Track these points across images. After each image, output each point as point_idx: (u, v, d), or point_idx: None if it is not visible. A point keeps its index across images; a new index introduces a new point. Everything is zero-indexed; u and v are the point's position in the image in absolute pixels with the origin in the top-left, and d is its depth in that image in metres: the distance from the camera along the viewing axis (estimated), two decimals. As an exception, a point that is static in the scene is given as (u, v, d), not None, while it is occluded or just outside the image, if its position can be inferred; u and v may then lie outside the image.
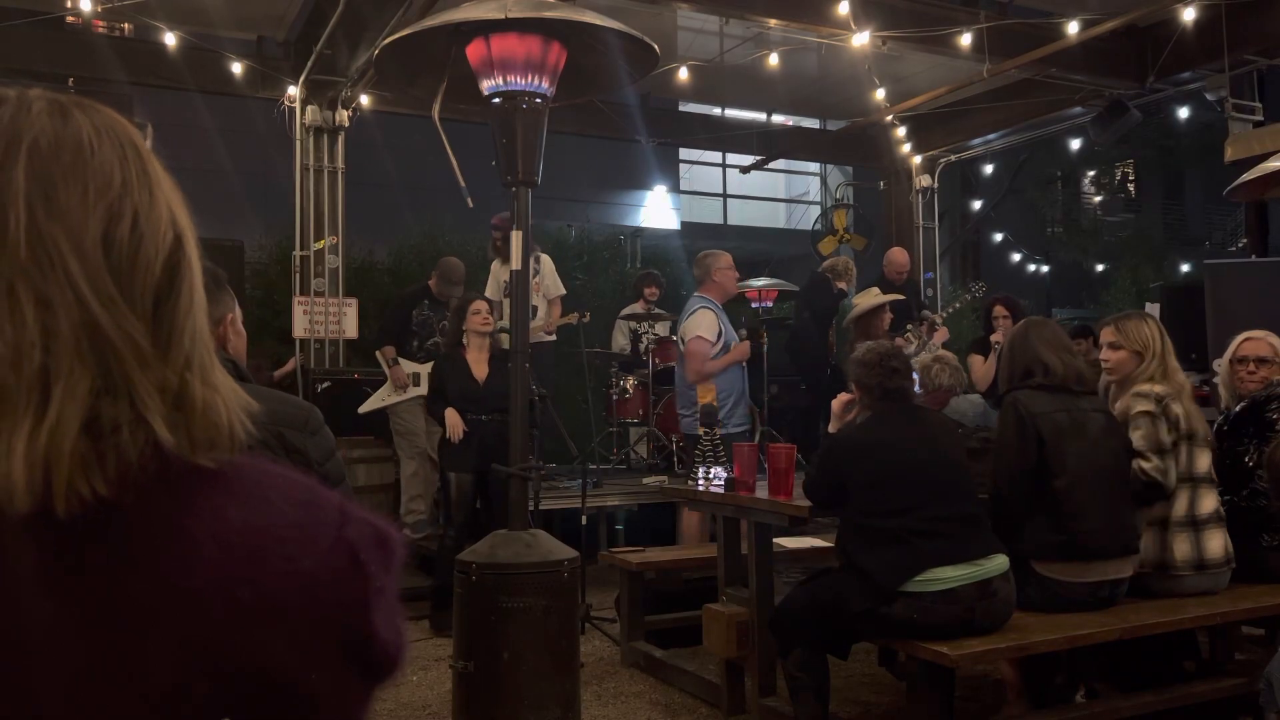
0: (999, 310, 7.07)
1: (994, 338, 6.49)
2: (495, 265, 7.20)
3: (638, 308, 8.21)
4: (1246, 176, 4.99)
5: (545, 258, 7.31)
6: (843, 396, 3.77)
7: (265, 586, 0.65)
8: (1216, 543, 3.73)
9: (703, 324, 5.74)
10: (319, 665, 0.67)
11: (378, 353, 6.85)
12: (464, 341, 5.51)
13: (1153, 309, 7.59)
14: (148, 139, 0.78)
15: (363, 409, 6.74)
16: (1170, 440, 3.70)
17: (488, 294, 7.10)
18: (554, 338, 7.48)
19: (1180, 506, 3.72)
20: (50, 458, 0.61)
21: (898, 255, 8.17)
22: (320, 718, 0.67)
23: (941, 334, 7.20)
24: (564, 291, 7.43)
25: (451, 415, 5.38)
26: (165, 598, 0.63)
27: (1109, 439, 3.60)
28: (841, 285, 7.96)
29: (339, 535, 0.69)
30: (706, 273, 5.96)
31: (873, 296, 6.86)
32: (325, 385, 7.25)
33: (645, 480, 7.03)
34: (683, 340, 5.85)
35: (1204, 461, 3.79)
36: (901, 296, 7.14)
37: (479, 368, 5.50)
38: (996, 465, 3.64)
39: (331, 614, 0.67)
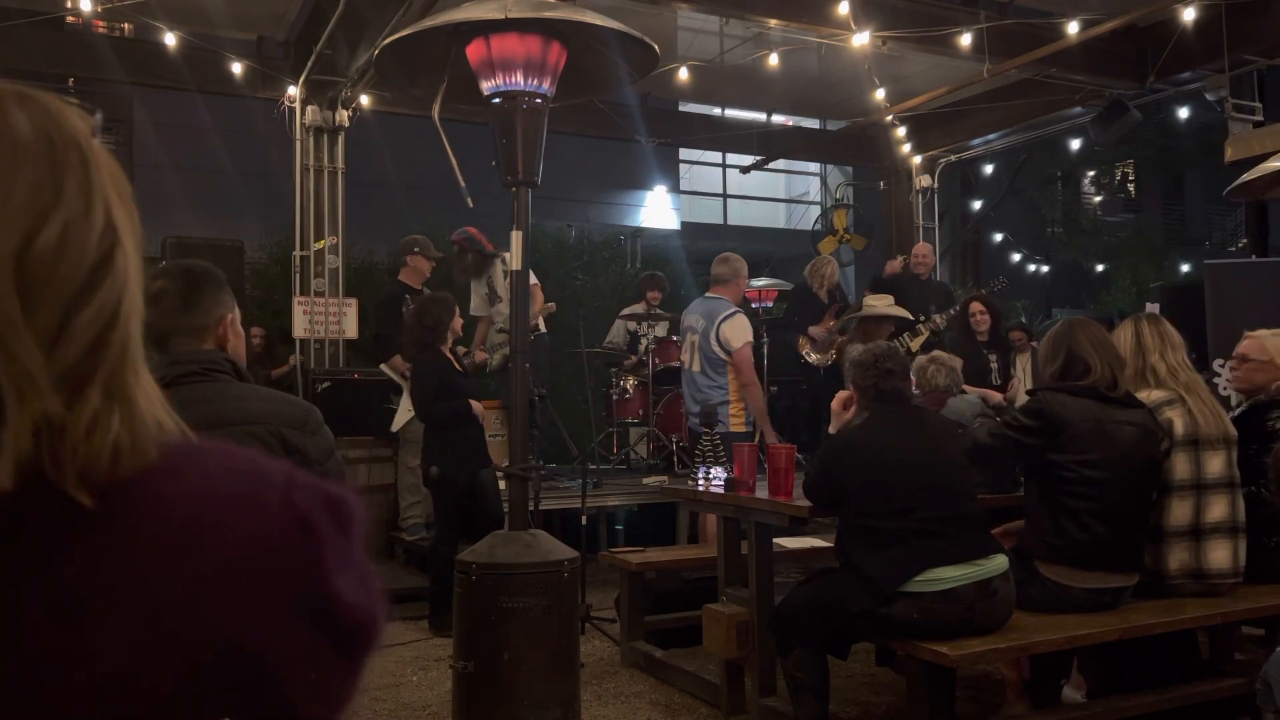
0: (975, 307, 7.20)
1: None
2: (474, 282, 7.15)
3: (639, 308, 8.21)
4: (1246, 176, 4.98)
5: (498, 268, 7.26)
6: (841, 394, 3.77)
7: (209, 554, 0.64)
8: (1222, 553, 3.61)
9: (747, 331, 5.69)
10: (281, 632, 0.65)
11: (384, 366, 6.70)
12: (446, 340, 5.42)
13: (1153, 309, 7.60)
14: (96, 130, 0.74)
15: (394, 427, 6.56)
16: (1164, 448, 3.63)
17: (473, 312, 7.10)
18: (544, 330, 7.42)
19: (1179, 515, 3.62)
20: None
21: (921, 250, 8.60)
22: (294, 690, 0.66)
23: (940, 320, 7.39)
24: (536, 281, 7.33)
25: (478, 405, 5.35)
26: (106, 577, 0.62)
27: (1136, 456, 3.50)
28: (816, 289, 8.00)
29: (285, 499, 0.68)
30: (734, 274, 5.85)
31: (884, 304, 6.87)
32: (325, 385, 7.25)
33: (645, 480, 7.04)
34: (720, 342, 5.64)
35: (1215, 465, 3.66)
36: (908, 315, 7.15)
37: (456, 366, 5.50)
38: (998, 422, 3.69)
39: (283, 577, 0.66)
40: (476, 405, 5.34)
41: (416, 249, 6.95)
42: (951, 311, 7.57)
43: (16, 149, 0.64)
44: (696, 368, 5.80)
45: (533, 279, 7.17)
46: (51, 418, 0.62)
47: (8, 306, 0.60)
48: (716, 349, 5.66)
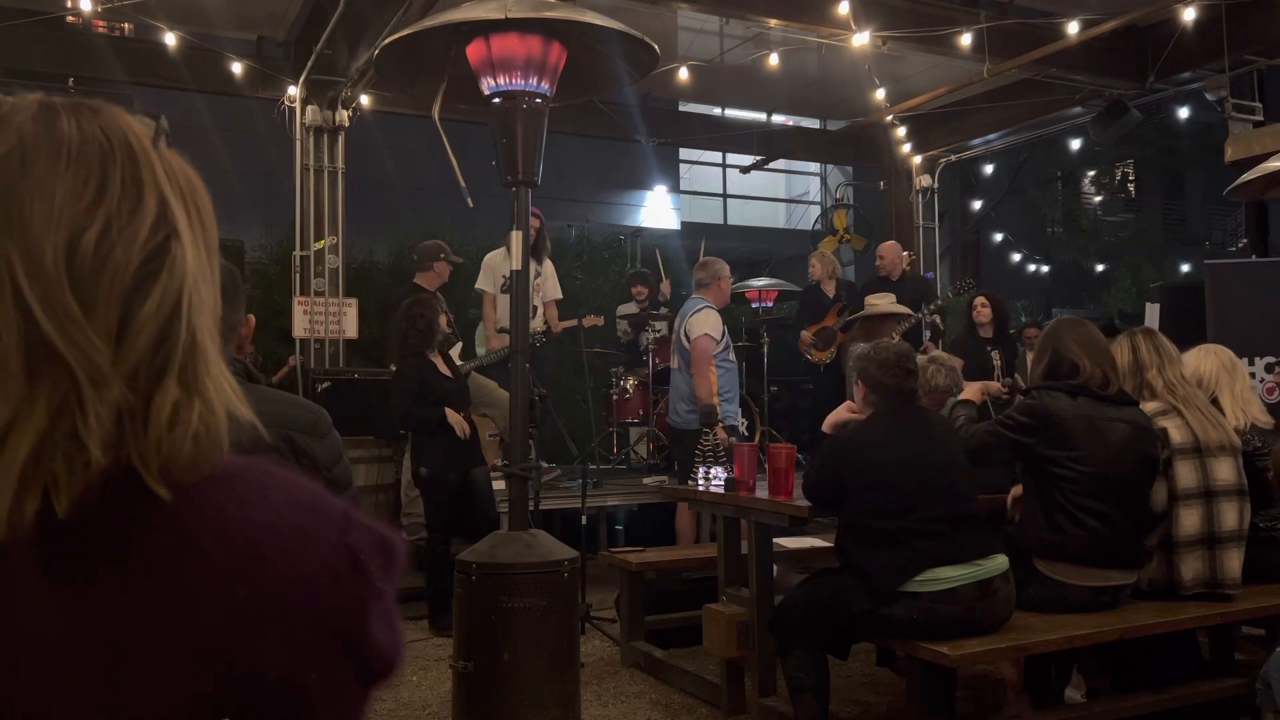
0: (979, 301, 7.16)
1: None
2: (494, 258, 7.11)
3: (631, 308, 8.26)
4: (1246, 176, 4.98)
5: (548, 260, 7.30)
6: (841, 413, 3.78)
7: (262, 584, 0.65)
8: (1236, 561, 3.61)
9: (708, 322, 5.82)
10: (314, 666, 0.67)
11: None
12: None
13: (1153, 309, 7.59)
14: (160, 135, 0.76)
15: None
16: (1164, 456, 3.63)
17: (481, 286, 7.09)
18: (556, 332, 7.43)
19: (1190, 523, 3.61)
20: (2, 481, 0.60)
21: (883, 249, 8.17)
22: (317, 718, 0.67)
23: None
24: (560, 296, 7.37)
25: (454, 414, 5.35)
26: (159, 594, 0.63)
27: (1129, 453, 3.50)
28: (826, 285, 8.00)
29: (341, 539, 0.69)
30: (713, 278, 6.01)
31: (887, 304, 6.86)
32: (325, 385, 7.24)
33: (645, 480, 7.04)
34: (687, 337, 5.86)
35: (1224, 472, 3.64)
36: (912, 314, 7.11)
37: (443, 368, 5.49)
38: (993, 422, 3.72)
39: (328, 616, 0.67)
40: (452, 415, 5.32)
41: (442, 255, 6.94)
42: (922, 313, 7.46)
43: (59, 153, 0.66)
44: (675, 365, 6.08)
45: (558, 293, 7.23)
46: (125, 405, 0.63)
47: (66, 301, 0.62)
48: (685, 343, 5.88)
